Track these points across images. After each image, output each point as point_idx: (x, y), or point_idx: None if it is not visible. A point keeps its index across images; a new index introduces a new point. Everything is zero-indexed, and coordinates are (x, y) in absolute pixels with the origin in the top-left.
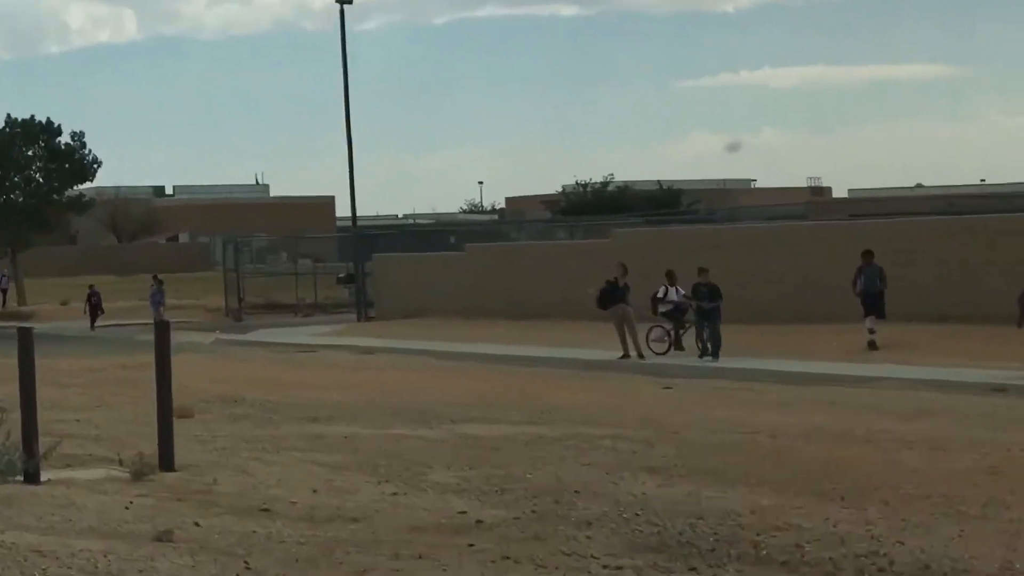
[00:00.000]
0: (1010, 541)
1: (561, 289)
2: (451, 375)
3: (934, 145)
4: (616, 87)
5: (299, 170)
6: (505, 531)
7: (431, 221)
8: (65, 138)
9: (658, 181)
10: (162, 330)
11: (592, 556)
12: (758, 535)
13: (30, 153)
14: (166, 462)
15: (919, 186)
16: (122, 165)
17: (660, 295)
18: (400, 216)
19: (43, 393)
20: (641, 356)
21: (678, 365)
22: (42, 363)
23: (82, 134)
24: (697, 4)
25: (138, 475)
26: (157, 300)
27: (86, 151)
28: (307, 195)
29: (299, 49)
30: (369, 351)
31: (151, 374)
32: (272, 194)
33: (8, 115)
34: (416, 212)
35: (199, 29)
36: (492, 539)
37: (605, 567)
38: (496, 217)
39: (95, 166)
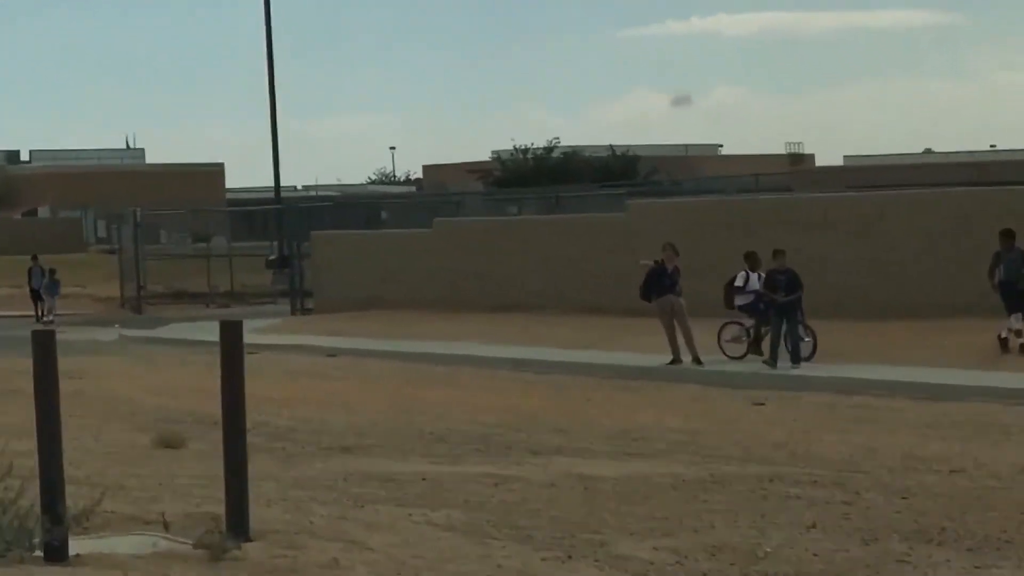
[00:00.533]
0: None
1: (561, 275)
2: (458, 386)
3: (928, 106)
4: (547, 39)
5: (177, 134)
6: None
7: (337, 193)
8: None
9: (610, 146)
10: (233, 330)
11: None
12: None
13: None
14: (239, 527)
15: (928, 151)
16: None
17: (739, 283)
18: (299, 188)
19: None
20: (699, 361)
21: (747, 373)
22: None
23: None
24: None
25: (214, 550)
26: (52, 290)
27: None
28: (191, 162)
29: None
30: (331, 353)
31: (78, 385)
32: (148, 160)
33: None
34: (319, 183)
35: None
36: None
37: None
38: (414, 189)
39: None
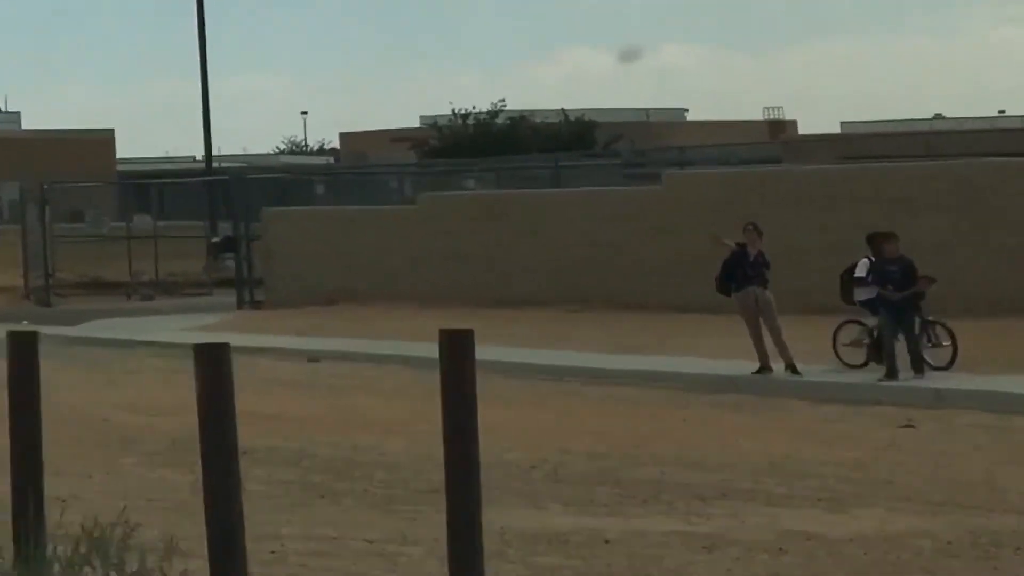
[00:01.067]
0: None
1: (579, 263)
2: (501, 402)
3: (913, 67)
4: None
5: (55, 96)
6: None
7: (243, 164)
8: None
9: (562, 110)
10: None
11: None
12: None
13: None
14: None
15: (938, 117)
16: None
17: (862, 274)
18: (198, 158)
19: None
20: (795, 370)
21: (860, 385)
22: None
23: None
24: None
25: None
26: None
27: None
28: (77, 128)
29: None
30: (312, 358)
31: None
32: (24, 126)
33: None
34: (221, 154)
35: None
36: None
37: None
38: (331, 160)
39: None
